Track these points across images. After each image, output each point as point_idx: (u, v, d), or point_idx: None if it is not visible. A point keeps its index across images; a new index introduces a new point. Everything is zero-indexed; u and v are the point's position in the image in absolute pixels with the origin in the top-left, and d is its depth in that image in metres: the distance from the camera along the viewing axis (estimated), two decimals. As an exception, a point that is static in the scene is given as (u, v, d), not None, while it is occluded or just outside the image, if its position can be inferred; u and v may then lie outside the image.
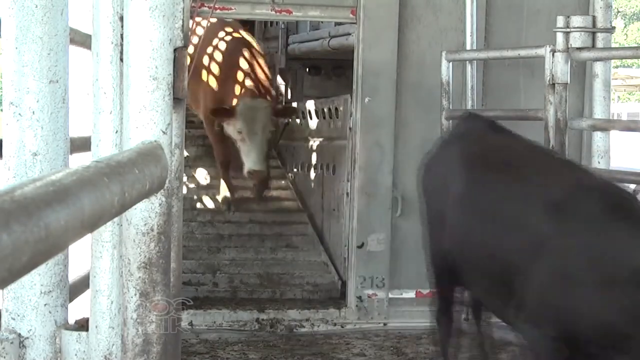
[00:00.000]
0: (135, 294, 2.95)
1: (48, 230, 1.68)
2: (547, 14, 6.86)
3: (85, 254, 3.24)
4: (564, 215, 3.99)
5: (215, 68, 8.26)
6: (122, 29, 3.02)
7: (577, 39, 5.90)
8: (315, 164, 8.45)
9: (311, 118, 8.74)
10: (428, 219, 4.99)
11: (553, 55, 5.87)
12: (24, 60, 3.00)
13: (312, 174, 8.50)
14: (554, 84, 5.86)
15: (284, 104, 9.39)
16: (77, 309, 3.38)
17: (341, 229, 7.44)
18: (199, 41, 7.39)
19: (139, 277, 2.94)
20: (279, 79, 9.88)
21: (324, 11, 6.91)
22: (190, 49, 4.54)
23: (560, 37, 5.91)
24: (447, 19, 6.90)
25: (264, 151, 7.76)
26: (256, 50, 8.41)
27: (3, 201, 1.57)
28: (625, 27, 41.41)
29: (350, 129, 7.06)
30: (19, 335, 3.04)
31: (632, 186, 5.49)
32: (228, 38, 8.45)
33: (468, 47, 6.74)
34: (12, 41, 3.00)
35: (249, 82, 8.00)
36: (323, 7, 6.84)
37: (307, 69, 9.93)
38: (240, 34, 8.56)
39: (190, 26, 4.36)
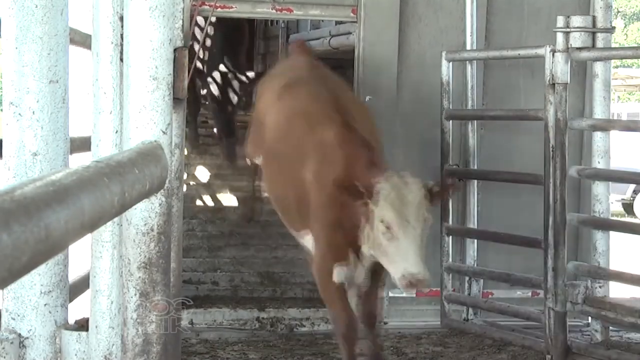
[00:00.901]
0: (135, 294, 2.95)
1: (48, 230, 1.68)
2: (547, 14, 6.86)
3: (85, 254, 3.24)
4: None
5: None
6: (122, 29, 3.02)
7: (577, 39, 5.89)
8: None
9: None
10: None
11: (553, 55, 5.87)
12: (24, 60, 3.00)
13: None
14: (554, 84, 5.86)
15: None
16: (77, 309, 3.38)
17: (341, 228, 7.43)
18: None
19: (139, 277, 2.94)
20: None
21: (325, 10, 6.90)
22: None
23: (560, 37, 5.91)
24: (447, 19, 6.89)
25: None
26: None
27: (3, 201, 1.57)
28: (625, 27, 41.38)
29: (350, 128, 7.06)
30: (19, 335, 3.04)
31: (632, 186, 5.50)
32: None
33: (468, 46, 6.74)
34: (12, 41, 3.00)
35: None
36: (324, 5, 6.84)
37: (308, 68, 9.92)
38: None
39: (190, 25, 4.36)
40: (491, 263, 6.79)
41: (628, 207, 18.79)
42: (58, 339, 3.09)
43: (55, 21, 3.02)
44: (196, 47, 8.12)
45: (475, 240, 6.81)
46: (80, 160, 3.08)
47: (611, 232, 6.31)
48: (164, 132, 2.95)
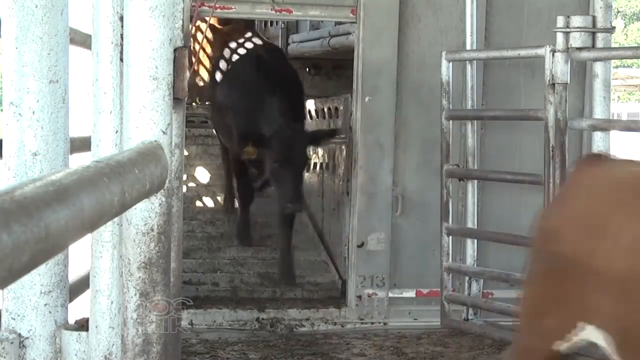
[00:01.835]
0: (135, 294, 2.95)
1: (48, 230, 1.68)
2: (547, 14, 6.85)
3: (85, 254, 3.24)
4: None
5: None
6: (122, 29, 3.02)
7: (577, 39, 5.89)
8: (315, 164, 8.45)
9: (311, 118, 8.74)
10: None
11: (553, 55, 5.87)
12: (24, 60, 3.00)
13: (312, 174, 8.49)
14: (554, 84, 5.86)
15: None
16: (77, 309, 3.38)
17: (341, 228, 7.44)
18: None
19: (139, 277, 2.94)
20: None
21: (324, 10, 6.90)
22: None
23: (560, 37, 5.91)
24: (447, 19, 6.89)
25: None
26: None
27: (3, 201, 1.57)
28: (625, 27, 41.39)
29: (350, 128, 7.06)
30: (19, 335, 3.04)
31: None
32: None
33: (468, 47, 6.73)
34: (12, 41, 3.01)
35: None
36: (323, 6, 6.84)
37: (307, 69, 9.93)
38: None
39: (190, 26, 4.36)
40: (491, 263, 6.79)
41: (628, 207, 18.73)
42: (58, 339, 3.09)
43: (55, 21, 3.02)
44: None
45: (475, 240, 6.81)
46: (80, 160, 3.08)
47: (611, 232, 6.29)
48: (164, 132, 2.95)
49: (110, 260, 3.10)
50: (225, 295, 7.24)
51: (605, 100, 6.21)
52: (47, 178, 1.84)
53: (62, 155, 3.08)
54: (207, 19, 6.55)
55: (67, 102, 3.12)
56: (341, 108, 7.83)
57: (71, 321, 3.18)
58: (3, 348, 2.98)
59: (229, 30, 8.41)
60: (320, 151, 8.33)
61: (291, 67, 7.98)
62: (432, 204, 6.69)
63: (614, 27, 6.29)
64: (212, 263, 7.55)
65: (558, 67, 5.85)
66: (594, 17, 6.00)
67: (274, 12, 6.82)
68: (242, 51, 7.90)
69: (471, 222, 6.77)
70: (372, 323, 6.84)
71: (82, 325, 3.15)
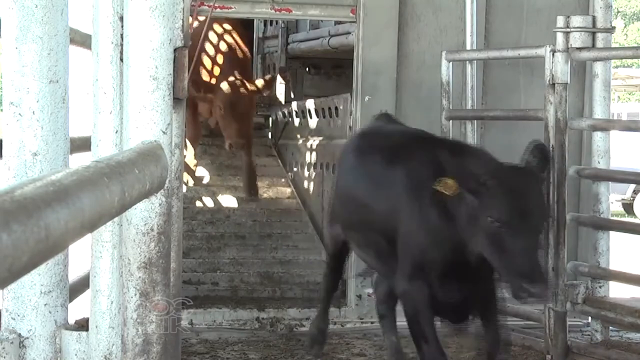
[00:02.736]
0: (135, 294, 2.95)
1: (48, 230, 1.68)
2: (547, 14, 6.86)
3: (85, 254, 3.24)
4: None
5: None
6: (122, 29, 3.02)
7: (577, 39, 5.89)
8: (315, 163, 8.45)
9: (311, 117, 8.75)
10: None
11: (553, 55, 5.86)
12: (24, 60, 3.00)
13: (312, 173, 8.50)
14: (554, 84, 5.86)
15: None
16: (77, 309, 3.38)
17: (341, 228, 7.43)
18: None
19: (139, 277, 2.94)
20: (279, 79, 9.87)
21: (324, 10, 6.90)
22: None
23: (560, 37, 5.91)
24: (447, 18, 6.89)
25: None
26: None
27: (3, 201, 1.57)
28: (625, 27, 41.39)
29: (350, 127, 7.06)
30: (19, 335, 3.04)
31: (632, 186, 5.50)
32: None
33: (468, 46, 6.73)
34: (12, 41, 3.00)
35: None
36: (323, 5, 6.84)
37: (307, 68, 9.94)
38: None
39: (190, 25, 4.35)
40: (491, 263, 6.79)
41: (628, 207, 18.80)
42: (58, 339, 3.09)
43: (55, 21, 3.02)
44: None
45: (475, 240, 6.80)
46: (80, 160, 3.08)
47: (611, 232, 6.30)
48: (164, 132, 2.95)
49: (110, 260, 3.10)
50: (225, 295, 7.25)
51: (605, 100, 6.21)
52: (47, 178, 1.84)
53: (62, 155, 3.08)
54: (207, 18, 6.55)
55: (67, 102, 3.12)
56: (341, 107, 7.83)
57: (71, 321, 3.18)
58: (3, 348, 2.98)
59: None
60: (320, 151, 8.34)
61: None
62: (432, 203, 6.68)
63: (614, 27, 6.29)
64: (212, 262, 7.55)
65: (558, 67, 5.85)
66: (594, 17, 6.00)
67: (273, 11, 6.82)
68: None
69: (471, 222, 6.77)
70: (372, 323, 6.84)
71: (82, 325, 3.15)
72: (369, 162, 5.20)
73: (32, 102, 3.01)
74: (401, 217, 4.75)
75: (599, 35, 5.98)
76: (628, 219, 17.09)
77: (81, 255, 3.38)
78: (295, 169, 8.98)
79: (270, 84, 8.66)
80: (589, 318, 6.35)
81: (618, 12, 39.51)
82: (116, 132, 3.07)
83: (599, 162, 6.17)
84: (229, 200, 8.48)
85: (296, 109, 9.24)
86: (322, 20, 8.67)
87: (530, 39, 6.87)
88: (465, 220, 4.35)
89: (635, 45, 36.17)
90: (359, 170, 5.30)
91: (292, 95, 9.95)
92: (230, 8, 6.70)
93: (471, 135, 6.72)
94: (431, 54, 6.78)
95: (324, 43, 8.55)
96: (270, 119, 9.89)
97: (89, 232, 2.14)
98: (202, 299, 7.04)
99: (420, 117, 6.86)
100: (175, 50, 3.10)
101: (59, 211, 1.77)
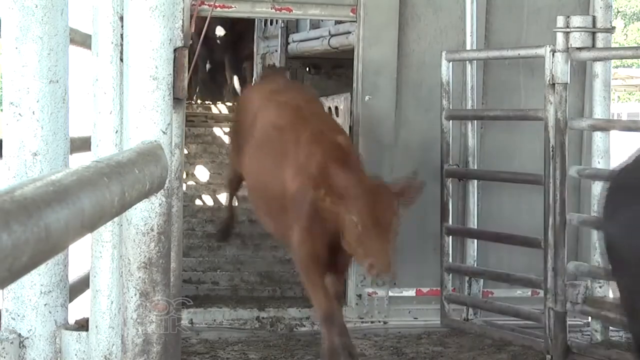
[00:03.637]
0: (135, 294, 2.95)
1: (48, 230, 1.68)
2: (547, 14, 6.85)
3: (85, 254, 3.24)
4: None
5: None
6: (122, 29, 3.02)
7: (577, 39, 5.89)
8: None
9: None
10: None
11: (553, 55, 5.86)
12: (24, 60, 3.00)
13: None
14: (554, 84, 5.86)
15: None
16: (77, 309, 3.38)
17: (341, 228, 7.43)
18: None
19: (139, 277, 2.94)
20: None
21: (324, 9, 6.90)
22: None
23: (560, 37, 5.91)
24: (447, 18, 6.89)
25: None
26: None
27: (3, 201, 1.57)
28: (625, 27, 41.38)
29: (350, 127, 7.06)
30: (19, 335, 3.04)
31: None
32: None
33: (468, 46, 6.73)
34: (12, 41, 3.01)
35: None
36: (323, 5, 6.84)
37: (307, 68, 9.93)
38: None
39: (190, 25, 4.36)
40: (491, 263, 6.80)
41: (628, 207, 18.74)
42: (58, 339, 3.09)
43: (55, 21, 3.02)
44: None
45: (475, 240, 6.80)
46: (80, 160, 3.08)
47: (611, 232, 6.30)
48: (164, 132, 2.95)
49: (110, 260, 3.10)
50: (225, 294, 7.24)
51: (605, 100, 6.21)
52: (47, 178, 1.84)
53: (62, 155, 3.09)
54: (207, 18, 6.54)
55: (67, 102, 3.12)
56: (341, 107, 7.83)
57: (71, 321, 3.18)
58: (3, 348, 2.98)
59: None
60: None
61: None
62: (432, 203, 6.68)
63: (614, 27, 6.29)
64: (212, 262, 7.55)
65: (558, 67, 5.85)
66: (594, 17, 6.00)
67: (273, 10, 6.82)
68: None
69: (471, 222, 6.77)
70: (372, 322, 6.84)
71: (82, 325, 3.15)
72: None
73: (32, 102, 3.01)
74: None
75: (599, 35, 5.98)
76: (628, 218, 17.03)
77: (81, 255, 3.38)
78: (295, 169, 8.96)
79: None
80: (589, 318, 6.35)
81: (618, 12, 39.51)
82: (116, 132, 3.07)
83: (599, 162, 6.17)
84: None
85: (296, 109, 9.22)
86: (322, 20, 8.67)
87: (531, 39, 6.87)
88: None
89: (635, 45, 36.16)
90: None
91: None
92: (231, 7, 6.70)
93: (471, 135, 6.72)
94: (431, 53, 6.78)
95: (324, 43, 8.54)
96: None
97: (89, 232, 2.15)
98: (202, 298, 7.03)
99: (421, 117, 6.87)
100: (175, 50, 3.10)
101: (59, 211, 1.77)
